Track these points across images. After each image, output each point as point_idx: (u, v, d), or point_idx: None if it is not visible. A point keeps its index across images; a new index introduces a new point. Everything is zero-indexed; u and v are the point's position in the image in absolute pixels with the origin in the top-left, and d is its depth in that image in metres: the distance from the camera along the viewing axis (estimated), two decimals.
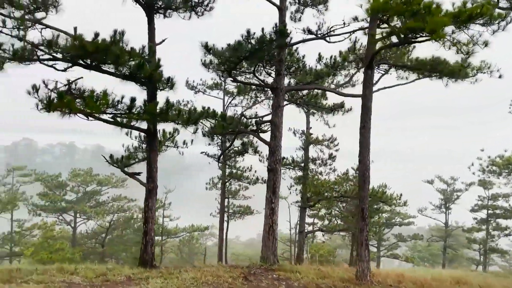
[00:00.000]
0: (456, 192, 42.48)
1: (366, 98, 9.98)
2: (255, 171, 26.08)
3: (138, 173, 11.72)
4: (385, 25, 10.74)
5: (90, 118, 8.79)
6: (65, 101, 7.42)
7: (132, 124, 9.57)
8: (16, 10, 8.67)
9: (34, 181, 40.64)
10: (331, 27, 12.24)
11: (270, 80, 13.83)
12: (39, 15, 9.00)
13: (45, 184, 39.72)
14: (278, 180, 12.49)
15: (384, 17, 8.60)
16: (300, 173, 26.58)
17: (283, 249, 60.27)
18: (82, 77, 8.86)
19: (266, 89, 16.94)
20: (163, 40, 10.86)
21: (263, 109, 22.37)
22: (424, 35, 7.14)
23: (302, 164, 24.55)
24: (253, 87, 17.83)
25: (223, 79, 26.08)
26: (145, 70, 8.62)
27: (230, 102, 25.91)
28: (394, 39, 11.21)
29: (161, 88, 9.66)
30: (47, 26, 9.23)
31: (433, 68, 10.19)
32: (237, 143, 26.60)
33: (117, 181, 41.97)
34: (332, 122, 24.47)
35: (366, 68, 10.05)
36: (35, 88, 7.71)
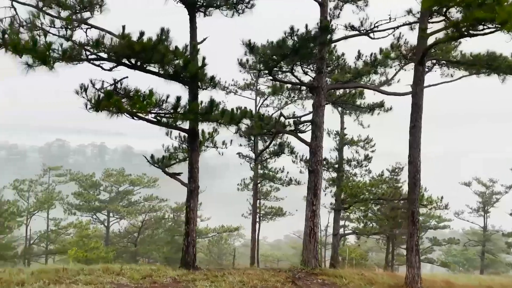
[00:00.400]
0: (495, 194, 40.70)
1: (417, 96, 9.49)
2: (287, 172, 25.75)
3: (179, 174, 11.62)
4: (437, 19, 10.22)
5: (135, 118, 8.72)
6: (113, 101, 7.35)
7: (174, 124, 9.44)
8: (63, 10, 8.70)
9: (69, 181, 41.68)
10: (376, 23, 11.79)
11: (305, 79, 13.50)
12: (84, 15, 9.00)
13: (79, 184, 40.77)
14: (319, 182, 12.13)
15: (441, 9, 8.11)
16: (334, 175, 26.10)
17: None
18: (127, 77, 8.80)
19: (301, 88, 16.60)
20: (204, 39, 10.71)
21: (295, 109, 22.05)
22: (491, 26, 6.64)
23: (337, 166, 24.03)
24: (288, 86, 17.50)
25: (255, 80, 25.92)
26: (191, 69, 8.47)
27: (262, 103, 25.72)
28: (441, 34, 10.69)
29: (204, 87, 9.49)
30: (92, 26, 9.23)
31: (488, 64, 9.59)
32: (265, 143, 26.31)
33: (149, 181, 42.56)
34: (366, 122, 23.88)
35: (417, 64, 9.56)
36: (84, 88, 7.69)
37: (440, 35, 10.46)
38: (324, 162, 23.84)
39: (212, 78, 9.35)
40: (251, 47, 9.96)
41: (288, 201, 31.56)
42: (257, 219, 26.31)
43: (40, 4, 8.58)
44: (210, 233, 37.34)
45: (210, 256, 47.89)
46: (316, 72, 12.08)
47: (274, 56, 10.02)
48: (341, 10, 13.72)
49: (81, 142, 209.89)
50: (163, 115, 9.37)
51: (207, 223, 38.79)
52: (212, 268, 10.87)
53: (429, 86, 13.32)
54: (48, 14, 8.29)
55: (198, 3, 10.32)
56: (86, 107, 7.59)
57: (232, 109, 9.25)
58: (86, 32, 9.11)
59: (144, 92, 8.42)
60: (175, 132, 12.20)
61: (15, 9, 8.28)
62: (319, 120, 12.04)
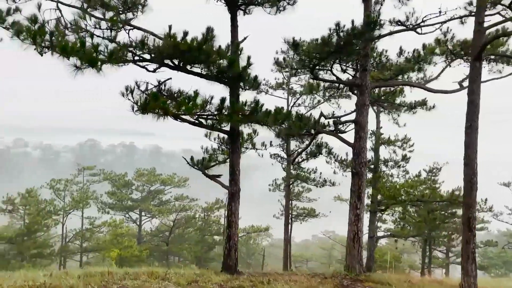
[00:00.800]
0: None
1: (474, 93, 8.88)
2: (320, 172, 25.22)
3: (219, 176, 11.42)
4: (492, 11, 9.57)
5: (178, 120, 8.53)
6: (159, 103, 7.17)
7: (219, 125, 9.21)
8: (106, 12, 8.61)
9: (103, 180, 42.46)
10: (424, 17, 11.19)
11: (343, 77, 13.01)
12: (127, 15, 8.89)
13: (112, 183, 41.54)
14: (363, 185, 11.65)
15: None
16: (369, 175, 25.39)
17: (343, 252, 58.49)
18: (171, 78, 8.63)
19: (339, 87, 16.11)
20: (245, 38, 10.43)
21: (330, 108, 21.52)
22: None
23: (372, 166, 23.33)
24: (324, 85, 17.03)
25: (287, 79, 25.51)
26: (236, 69, 8.20)
27: (294, 103, 25.30)
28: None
29: (246, 88, 9.21)
30: (134, 27, 9.12)
31: None
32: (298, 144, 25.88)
33: (179, 180, 42.91)
34: (402, 121, 23.06)
35: (474, 60, 8.94)
36: (130, 90, 7.56)
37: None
38: None
39: (256, 78, 9.06)
40: (295, 45, 9.61)
41: (318, 202, 31.00)
42: (289, 220, 25.90)
43: (85, 5, 8.52)
44: (240, 233, 37.15)
45: (239, 256, 47.77)
46: (359, 69, 11.59)
47: (317, 54, 9.62)
48: (381, 5, 13.16)
49: (111, 142, 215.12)
50: (205, 116, 9.15)
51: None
52: (255, 273, 10.60)
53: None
54: (92, 15, 8.21)
55: (240, 1, 10.05)
56: (133, 109, 7.45)
57: (276, 110, 8.92)
58: (128, 33, 9.01)
59: (188, 93, 8.23)
60: (214, 134, 12.03)
61: (60, 11, 8.25)
62: (363, 120, 11.56)
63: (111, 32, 8.20)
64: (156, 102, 7.17)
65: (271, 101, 27.15)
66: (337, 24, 9.46)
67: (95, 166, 43.26)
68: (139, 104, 7.37)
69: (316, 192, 29.01)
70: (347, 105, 21.31)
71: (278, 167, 27.88)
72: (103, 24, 8.40)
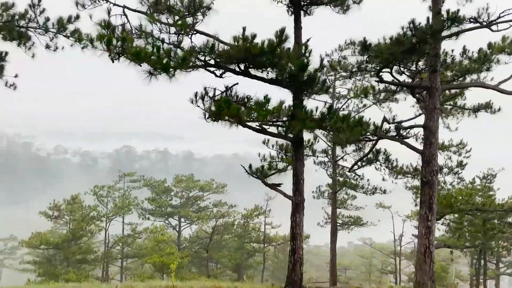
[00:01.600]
0: None
1: None
2: (367, 179, 24.26)
3: (278, 184, 10.91)
4: None
5: (246, 127, 8.09)
6: (232, 109, 6.74)
7: (291, 132, 8.70)
8: (172, 16, 8.32)
9: (142, 187, 42.99)
10: (502, 12, 10.29)
11: (400, 78, 12.22)
12: (189, 20, 8.57)
13: (152, 189, 41.97)
14: (435, 195, 10.81)
15: None
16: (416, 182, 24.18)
17: (383, 260, 56.73)
18: (237, 83, 8.21)
19: (396, 90, 15.28)
20: (308, 40, 9.92)
21: (380, 112, 20.58)
22: None
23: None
24: (380, 87, 16.23)
25: (331, 82, 24.76)
26: (306, 72, 7.68)
27: (340, 107, 24.49)
28: None
29: (315, 92, 8.66)
30: (197, 31, 8.78)
31: None
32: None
33: (218, 187, 42.83)
34: (453, 125, 21.80)
35: None
36: (201, 96, 7.20)
37: None
38: (411, 169, 22.08)
39: (324, 82, 8.49)
40: (365, 45, 8.97)
41: (365, 210, 29.95)
42: (336, 229, 25.00)
43: (150, 10, 8.27)
44: (279, 240, 36.52)
45: (277, 263, 47.05)
46: (429, 70, 10.80)
47: (390, 54, 8.94)
48: (443, 2, 12.32)
49: (146, 148, 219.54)
50: (271, 123, 8.67)
51: (277, 230, 38.04)
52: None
53: None
54: (158, 20, 7.93)
55: (304, 1, 9.55)
56: (205, 116, 7.08)
57: (346, 116, 8.31)
58: (191, 37, 8.70)
59: (253, 99, 7.79)
60: (272, 140, 11.55)
61: (126, 16, 8.03)
62: (433, 125, 10.74)
63: (177, 37, 7.87)
64: (229, 109, 6.74)
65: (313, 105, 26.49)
66: (412, 22, 8.77)
67: (135, 172, 43.86)
68: (211, 111, 6.98)
69: (362, 200, 28.04)
70: (398, 109, 20.38)
71: (321, 173, 27.16)
72: (166, 29, 8.12)
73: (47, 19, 9.80)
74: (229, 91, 7.97)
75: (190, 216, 39.48)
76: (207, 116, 7.13)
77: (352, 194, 26.84)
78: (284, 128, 8.85)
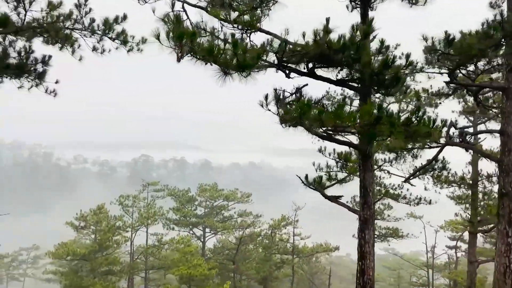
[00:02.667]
0: None
1: None
2: (407, 189, 23.02)
3: (339, 197, 9.97)
4: None
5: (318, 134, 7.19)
6: (315, 114, 5.87)
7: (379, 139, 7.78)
8: (233, 12, 7.54)
9: (166, 196, 42.41)
10: None
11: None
12: (255, 14, 7.77)
13: (177, 199, 41.35)
14: None
15: None
16: (459, 191, 22.90)
17: (412, 272, 54.76)
18: (307, 84, 7.35)
19: (453, 92, 14.21)
20: (374, 37, 9.02)
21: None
22: None
23: (470, 182, 20.86)
24: (433, 90, 15.16)
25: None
26: (387, 73, 6.77)
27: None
28: None
29: (392, 93, 7.73)
30: (259, 30, 7.98)
31: None
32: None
33: (242, 196, 41.98)
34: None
35: None
36: (276, 98, 6.37)
37: None
38: (456, 177, 20.83)
39: (404, 81, 7.55)
40: (449, 40, 8.00)
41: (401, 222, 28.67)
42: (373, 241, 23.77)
43: (210, 6, 7.52)
44: (307, 252, 35.30)
45: (301, 275, 45.67)
46: (506, 69, 9.75)
47: (477, 50, 7.94)
48: None
49: (163, 157, 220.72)
50: (342, 129, 7.76)
51: (305, 241, 36.81)
52: None
53: None
54: (222, 18, 7.16)
55: None
56: (281, 122, 6.24)
57: (434, 120, 7.33)
58: (249, 36, 7.90)
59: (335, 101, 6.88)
60: (329, 148, 10.65)
61: (185, 12, 7.29)
62: (511, 130, 9.66)
63: (242, 34, 7.07)
64: (310, 113, 5.88)
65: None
66: (501, 13, 7.79)
67: (159, 182, 43.33)
68: (290, 115, 6.13)
69: (398, 210, 26.80)
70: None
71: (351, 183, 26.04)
72: (229, 26, 7.34)
73: (93, 20, 9.17)
74: (298, 93, 7.11)
75: (216, 226, 38.63)
76: (280, 121, 6.27)
77: (388, 203, 25.65)
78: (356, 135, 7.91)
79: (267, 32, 8.16)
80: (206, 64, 5.98)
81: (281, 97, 6.70)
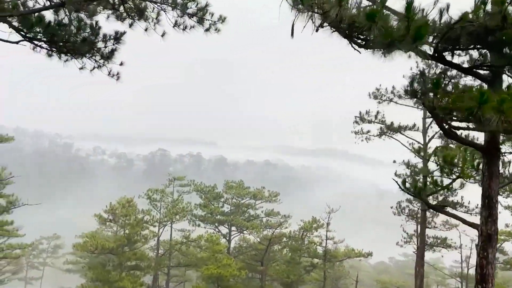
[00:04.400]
0: None
1: None
2: (462, 196, 21.49)
3: (443, 206, 8.63)
4: None
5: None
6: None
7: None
8: None
9: (192, 191, 41.45)
10: None
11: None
12: None
13: (204, 195, 40.37)
14: None
15: None
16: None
17: (440, 281, 52.83)
18: (449, 68, 6.02)
19: None
20: None
21: None
22: None
23: None
24: None
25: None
26: None
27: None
28: None
29: None
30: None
31: None
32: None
33: (270, 195, 40.77)
34: None
35: None
36: (422, 83, 5.08)
37: None
38: None
39: None
40: None
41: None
42: (424, 252, 22.30)
43: None
44: (341, 257, 33.91)
45: (327, 279, 44.16)
46: None
47: None
48: None
49: (179, 152, 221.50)
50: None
51: (336, 245, 35.40)
52: None
53: None
54: None
55: None
56: (430, 110, 4.94)
57: None
58: None
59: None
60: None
61: None
62: None
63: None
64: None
65: (396, 112, 24.00)
66: None
67: (185, 176, 42.39)
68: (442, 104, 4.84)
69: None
70: None
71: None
72: None
73: None
74: (443, 77, 5.79)
75: (245, 225, 37.50)
76: (428, 108, 4.99)
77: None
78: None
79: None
80: (353, 35, 4.72)
81: (427, 82, 5.40)
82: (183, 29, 8.19)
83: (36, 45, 8.16)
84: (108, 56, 8.76)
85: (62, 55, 9.03)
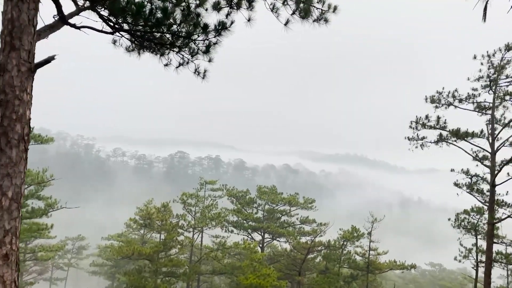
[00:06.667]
0: None
1: None
2: None
3: None
4: None
5: None
6: None
7: None
8: None
9: (224, 196, 40.48)
10: None
11: None
12: None
13: (236, 201, 39.39)
14: None
15: None
16: None
17: None
18: None
19: None
20: None
21: None
22: None
23: None
24: None
25: (489, 80, 20.55)
26: None
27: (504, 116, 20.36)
28: None
29: None
30: None
31: None
32: None
33: (306, 202, 39.52)
34: None
35: None
36: None
37: None
38: None
39: None
40: None
41: (429, 230, 24.96)
42: (490, 268, 20.63)
43: None
44: (385, 269, 32.30)
45: None
46: None
47: None
48: None
49: (198, 154, 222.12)
50: None
51: (377, 257, 33.78)
52: None
53: None
54: None
55: None
56: None
57: None
58: None
59: None
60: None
61: None
62: None
63: None
64: None
65: (459, 116, 22.51)
66: None
67: (217, 180, 41.45)
68: None
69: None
70: None
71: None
72: None
73: None
74: None
75: (279, 232, 36.30)
76: None
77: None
78: None
79: None
80: None
81: None
82: (285, 24, 7.11)
83: (133, 40, 7.18)
84: (206, 50, 7.73)
85: (143, 51, 8.09)
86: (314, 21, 7.76)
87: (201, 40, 7.56)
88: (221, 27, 7.40)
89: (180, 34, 7.04)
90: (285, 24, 7.64)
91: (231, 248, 32.13)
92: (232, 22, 7.14)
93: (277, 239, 39.76)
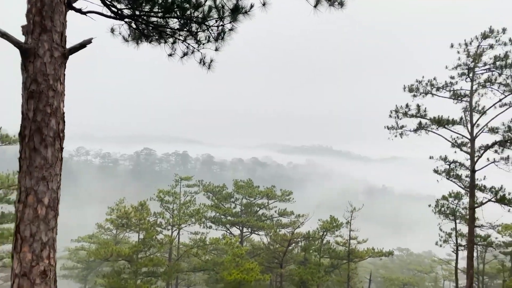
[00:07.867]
0: None
1: None
2: (509, 193, 20.58)
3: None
4: None
5: None
6: None
7: None
8: None
9: (200, 192, 39.77)
10: None
11: None
12: None
13: (213, 196, 38.78)
14: None
15: None
16: None
17: (446, 276, 52.51)
18: None
19: None
20: None
21: None
22: None
23: None
24: None
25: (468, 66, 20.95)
26: None
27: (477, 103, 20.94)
28: None
29: None
30: None
31: None
32: None
33: (283, 194, 39.49)
34: None
35: None
36: None
37: None
38: None
39: None
40: None
41: (401, 217, 25.98)
42: (473, 251, 21.29)
43: None
44: (366, 256, 32.81)
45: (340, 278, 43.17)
46: None
47: None
48: None
49: (165, 150, 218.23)
50: None
51: (356, 245, 34.27)
52: None
53: None
54: None
55: None
56: None
57: None
58: None
59: None
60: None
61: None
62: None
63: None
64: None
65: (438, 105, 23.00)
66: None
67: (192, 176, 40.60)
68: None
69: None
70: None
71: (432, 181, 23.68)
72: None
73: None
74: None
75: (258, 226, 36.08)
76: None
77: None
78: None
79: None
80: None
81: None
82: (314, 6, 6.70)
83: (138, 27, 6.56)
84: (218, 37, 7.22)
85: (141, 40, 7.47)
86: (330, 4, 7.38)
87: (216, 26, 7.03)
88: (239, 11, 6.90)
89: (196, 20, 6.47)
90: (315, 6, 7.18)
91: (212, 245, 31.57)
92: (251, 6, 6.65)
93: (256, 232, 39.58)
